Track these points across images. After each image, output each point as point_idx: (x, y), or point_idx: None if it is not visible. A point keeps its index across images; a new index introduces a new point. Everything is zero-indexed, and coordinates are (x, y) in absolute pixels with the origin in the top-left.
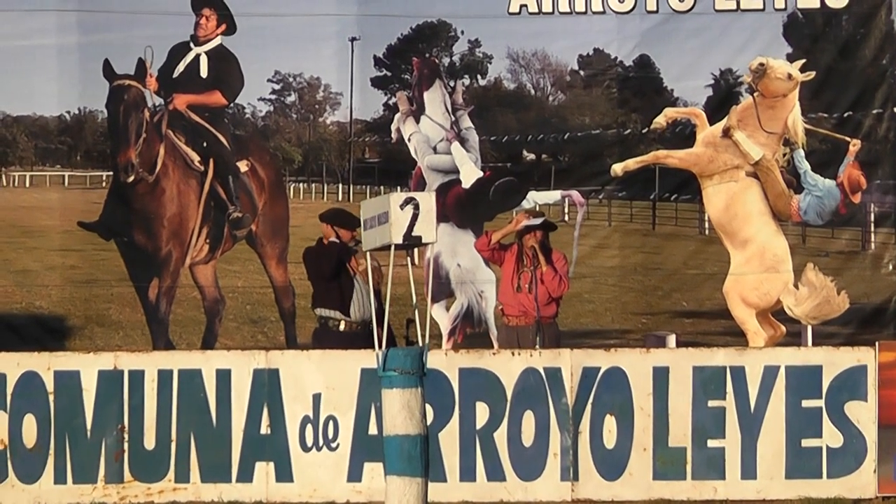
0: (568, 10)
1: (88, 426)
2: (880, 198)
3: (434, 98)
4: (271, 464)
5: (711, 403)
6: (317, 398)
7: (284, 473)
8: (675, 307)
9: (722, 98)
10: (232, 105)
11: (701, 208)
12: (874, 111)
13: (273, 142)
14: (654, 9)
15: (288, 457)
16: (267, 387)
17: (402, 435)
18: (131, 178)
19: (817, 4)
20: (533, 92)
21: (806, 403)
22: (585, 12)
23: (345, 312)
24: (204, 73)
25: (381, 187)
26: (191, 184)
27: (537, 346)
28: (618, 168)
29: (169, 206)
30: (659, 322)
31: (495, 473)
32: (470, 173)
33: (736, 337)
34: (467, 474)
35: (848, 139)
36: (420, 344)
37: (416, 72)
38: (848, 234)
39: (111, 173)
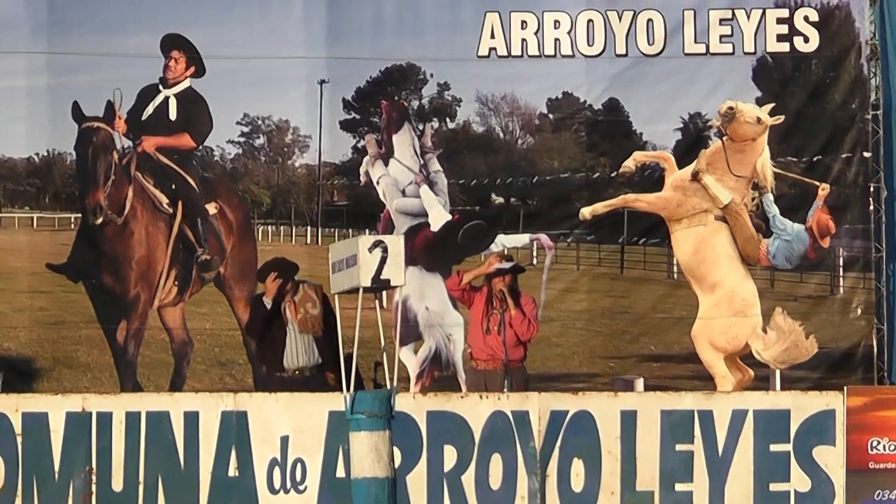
0: (537, 53)
1: (56, 468)
2: (849, 242)
3: (403, 141)
4: None
5: (679, 447)
6: (284, 441)
7: None
8: (644, 351)
9: (691, 142)
10: (201, 147)
11: (670, 252)
12: (843, 155)
13: (242, 184)
14: (624, 52)
15: (256, 499)
16: (235, 429)
17: (370, 478)
18: (100, 220)
19: (787, 49)
20: (502, 135)
21: (774, 448)
22: (554, 56)
23: (277, 366)
24: (173, 115)
25: (350, 230)
26: (159, 226)
27: (505, 390)
28: (586, 212)
29: (137, 248)
30: (627, 366)
31: None
32: (438, 217)
33: (704, 381)
34: None
35: (817, 184)
36: (388, 387)
37: (385, 115)
38: (817, 278)
39: (80, 215)
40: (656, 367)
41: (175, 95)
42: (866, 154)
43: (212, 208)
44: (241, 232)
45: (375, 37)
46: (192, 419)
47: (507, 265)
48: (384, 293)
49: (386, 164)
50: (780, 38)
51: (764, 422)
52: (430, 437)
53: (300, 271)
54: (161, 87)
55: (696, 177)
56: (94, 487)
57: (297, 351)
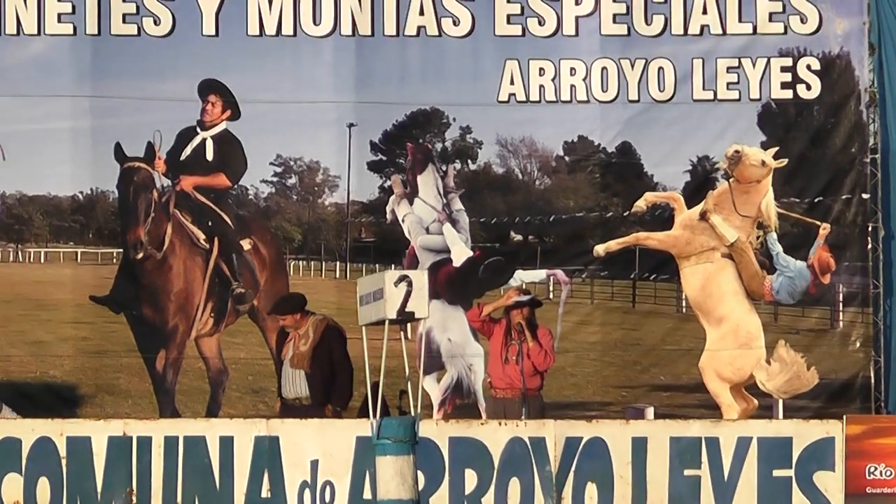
0: (554, 98)
1: (98, 489)
2: (848, 279)
3: (427, 181)
4: None
5: (687, 472)
6: (314, 464)
7: None
8: (654, 381)
9: (699, 183)
10: (236, 186)
11: (679, 287)
12: (843, 197)
13: (274, 221)
14: (636, 98)
15: None
16: (267, 453)
17: (395, 500)
18: (140, 255)
19: (790, 95)
20: (520, 176)
21: (777, 473)
22: (570, 101)
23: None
24: (210, 156)
25: (377, 265)
26: (196, 261)
27: (523, 417)
28: (600, 249)
29: (176, 281)
30: (638, 395)
31: None
32: (460, 253)
33: (711, 409)
34: None
35: (818, 223)
36: (412, 414)
37: (410, 156)
38: (818, 313)
39: (121, 250)
40: (665, 397)
41: (212, 137)
42: (865, 195)
43: (246, 244)
44: (274, 266)
45: (401, 83)
46: (227, 443)
47: (525, 299)
48: (409, 325)
49: (411, 203)
50: (784, 85)
51: (767, 448)
52: (452, 462)
53: (327, 305)
54: (199, 130)
55: (703, 216)
56: None
57: (290, 382)
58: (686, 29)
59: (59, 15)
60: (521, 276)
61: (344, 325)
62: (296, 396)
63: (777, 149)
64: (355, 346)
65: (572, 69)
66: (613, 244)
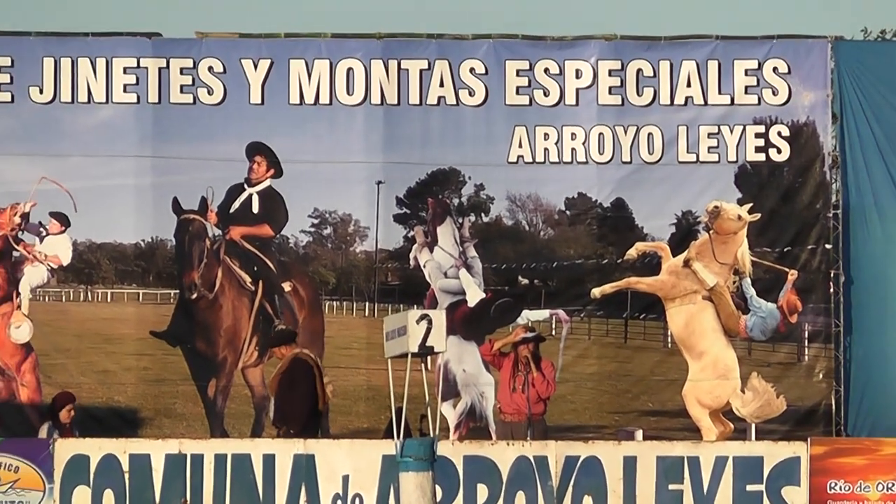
0: (557, 160)
1: (157, 500)
2: (813, 319)
3: (445, 232)
4: None
5: (672, 487)
6: (346, 479)
7: None
8: (643, 407)
9: (683, 235)
10: (278, 236)
11: (665, 325)
12: (809, 247)
13: (311, 267)
14: (629, 160)
15: None
16: (304, 469)
17: None
18: (194, 296)
19: (763, 158)
20: (527, 228)
21: (750, 488)
22: (571, 162)
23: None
24: (256, 209)
25: (401, 305)
26: (243, 301)
27: (528, 438)
28: (596, 292)
29: (225, 319)
30: (629, 419)
31: None
32: (474, 295)
33: (692, 432)
34: None
35: (787, 270)
36: (431, 435)
37: (431, 210)
38: (786, 348)
39: (178, 291)
40: (653, 421)
41: (257, 193)
42: (828, 246)
43: (287, 286)
44: (311, 306)
45: (423, 146)
46: (269, 461)
47: (530, 335)
48: (429, 358)
49: (431, 250)
50: (758, 149)
51: (741, 466)
52: (466, 477)
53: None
54: (246, 186)
55: (687, 263)
56: None
57: (271, 404)
58: (672, 100)
59: (125, 85)
60: (528, 316)
61: (371, 357)
62: (272, 420)
63: (751, 204)
64: (382, 375)
65: (573, 134)
66: (608, 287)
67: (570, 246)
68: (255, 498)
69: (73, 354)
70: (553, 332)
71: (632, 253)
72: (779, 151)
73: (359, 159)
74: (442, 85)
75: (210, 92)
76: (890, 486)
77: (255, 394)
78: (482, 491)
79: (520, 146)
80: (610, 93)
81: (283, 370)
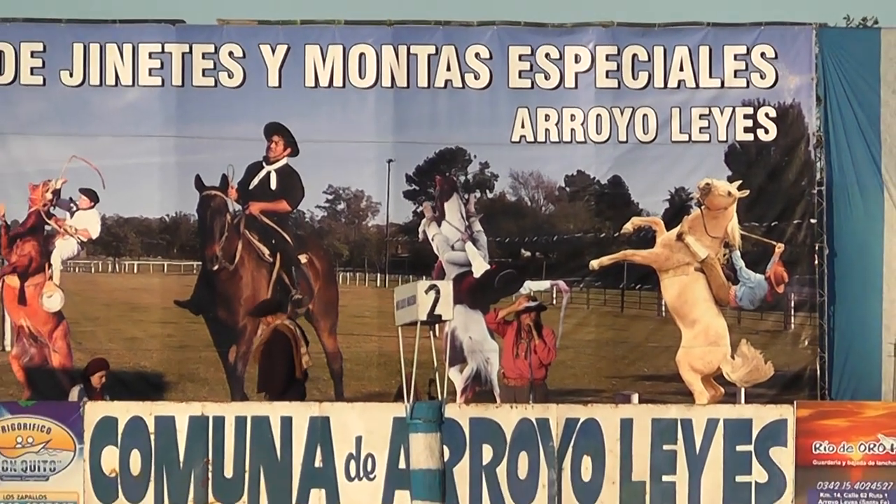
0: (557, 140)
1: (181, 459)
2: (799, 289)
3: (452, 207)
4: (323, 490)
5: (666, 447)
6: (359, 440)
7: (332, 498)
8: (639, 372)
9: (677, 210)
10: (295, 211)
11: (659, 295)
12: (795, 222)
13: (326, 240)
14: (625, 140)
15: (336, 485)
16: (320, 430)
17: (425, 469)
18: (216, 267)
19: (752, 138)
20: (529, 204)
21: (739, 448)
22: (571, 142)
23: None
24: (273, 186)
25: (411, 276)
26: (262, 272)
27: (531, 402)
28: (594, 264)
29: (245, 289)
30: (625, 384)
31: (497, 500)
32: (480, 266)
33: (685, 396)
34: (475, 501)
35: (774, 243)
36: (439, 398)
37: (439, 187)
38: (773, 317)
39: (200, 263)
40: (648, 385)
41: (275, 171)
42: (813, 221)
43: (303, 258)
44: (326, 277)
45: (431, 126)
46: (286, 422)
47: (532, 304)
48: (437, 325)
49: (439, 225)
50: (747, 129)
51: (731, 428)
52: (472, 438)
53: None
54: (264, 164)
55: (680, 237)
56: (210, 475)
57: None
58: (666, 83)
59: (150, 69)
60: (530, 286)
61: (382, 325)
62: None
63: (740, 182)
64: (392, 342)
65: (572, 115)
66: (606, 260)
67: (570, 221)
68: (273, 458)
69: (101, 322)
70: (554, 302)
71: (628, 227)
72: (766, 132)
73: (370, 139)
74: (449, 69)
75: (230, 75)
76: (871, 446)
77: None
78: (487, 451)
79: (522, 126)
80: (607, 76)
81: (265, 341)
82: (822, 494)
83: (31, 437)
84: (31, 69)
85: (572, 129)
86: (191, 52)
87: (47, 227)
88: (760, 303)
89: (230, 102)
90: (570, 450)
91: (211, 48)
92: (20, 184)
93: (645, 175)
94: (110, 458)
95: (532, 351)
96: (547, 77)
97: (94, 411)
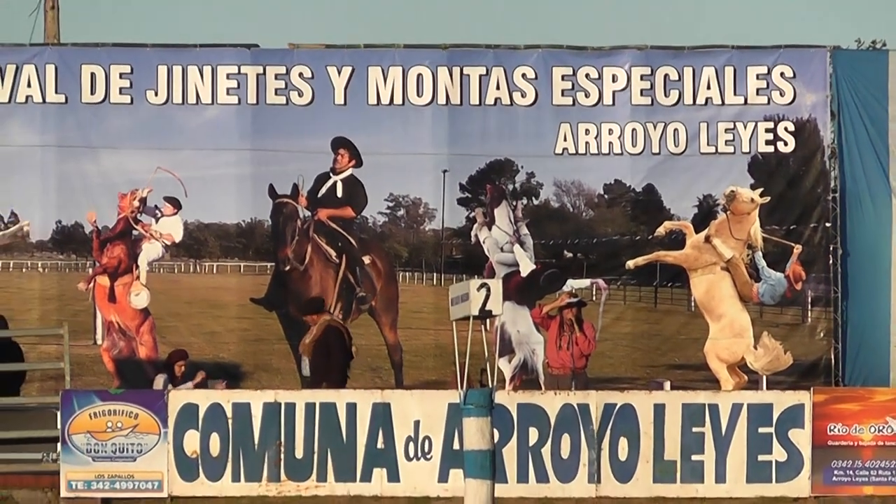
0: (596, 151)
1: (256, 442)
2: (815, 287)
3: (501, 213)
4: (384, 469)
5: (695, 429)
6: (417, 423)
7: (394, 476)
8: (670, 362)
9: (704, 215)
10: (359, 217)
11: (689, 292)
12: (812, 225)
13: (387, 243)
14: (658, 151)
15: (396, 464)
16: (382, 415)
17: (477, 450)
18: (287, 268)
19: (772, 150)
20: (571, 210)
21: (761, 430)
22: (608, 154)
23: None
24: (339, 194)
25: (464, 275)
26: (329, 272)
27: (572, 389)
28: (630, 264)
29: (314, 288)
30: (658, 372)
31: (542, 477)
32: (526, 266)
33: (712, 383)
34: (522, 478)
35: (793, 245)
36: (490, 386)
37: (489, 195)
38: (792, 311)
39: (273, 264)
40: (679, 374)
41: (341, 180)
42: (828, 224)
43: (367, 259)
44: (387, 277)
45: (482, 140)
46: (351, 408)
47: (574, 300)
48: (488, 320)
49: (489, 229)
50: (768, 142)
51: (754, 412)
52: (520, 422)
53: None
54: (331, 175)
55: (707, 239)
56: (282, 456)
57: (303, 364)
58: (695, 100)
59: (228, 89)
60: (572, 284)
61: (438, 320)
62: (305, 375)
63: (762, 189)
64: (447, 335)
65: (610, 130)
66: (640, 260)
67: (608, 225)
68: (339, 440)
69: (184, 318)
70: (593, 298)
71: (660, 231)
72: (785, 144)
73: (427, 151)
74: (498, 88)
75: (300, 94)
76: (881, 428)
77: None
78: (533, 433)
79: (564, 140)
80: (641, 94)
81: (318, 337)
82: (836, 472)
83: (121, 422)
84: (120, 89)
85: (610, 142)
86: (264, 73)
87: (135, 232)
88: (780, 298)
89: (300, 119)
90: (608, 432)
91: (283, 70)
92: (110, 193)
93: (676, 183)
94: (192, 441)
95: (574, 343)
96: (587, 95)
97: (178, 398)
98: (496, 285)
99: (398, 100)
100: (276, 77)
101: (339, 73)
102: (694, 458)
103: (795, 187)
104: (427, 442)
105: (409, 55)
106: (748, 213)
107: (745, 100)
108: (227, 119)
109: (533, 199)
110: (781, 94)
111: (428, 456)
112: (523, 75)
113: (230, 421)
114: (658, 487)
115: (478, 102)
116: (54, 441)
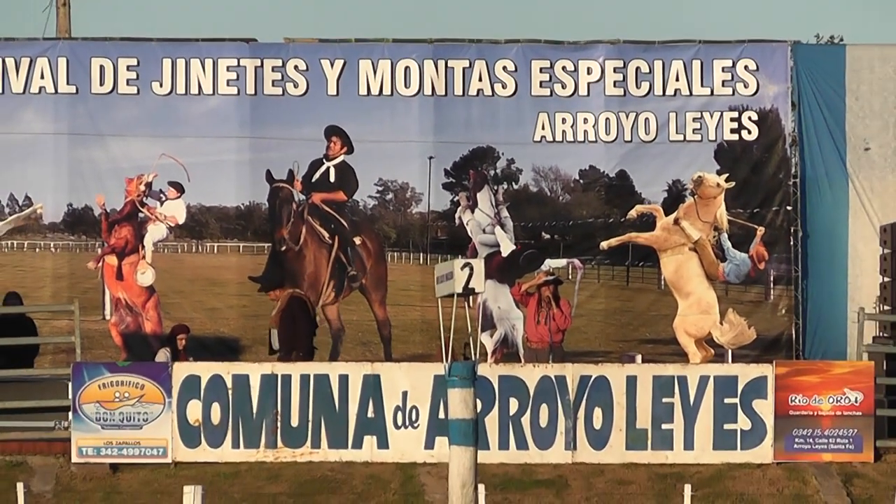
0: (572, 139)
1: (254, 411)
2: (777, 266)
3: (484, 197)
4: (374, 437)
5: (665, 400)
6: (405, 394)
7: (383, 443)
8: (642, 337)
9: (674, 199)
10: (350, 200)
11: (659, 271)
12: (773, 209)
13: (377, 225)
14: (630, 139)
15: (386, 432)
16: (372, 386)
17: (461, 419)
18: (283, 248)
19: (737, 138)
20: (549, 194)
21: (727, 400)
22: (584, 141)
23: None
24: (332, 179)
25: (449, 256)
26: (323, 252)
27: (550, 362)
28: (604, 244)
29: (308, 267)
30: (630, 346)
31: (522, 445)
32: (507, 247)
33: (681, 356)
34: (503, 445)
35: (756, 227)
36: (473, 359)
37: (472, 180)
38: (756, 289)
39: (270, 245)
40: (650, 347)
41: (334, 166)
42: (789, 208)
43: (357, 240)
44: (377, 256)
45: (466, 128)
46: (343, 379)
47: (551, 279)
48: (471, 297)
49: (472, 212)
50: (733, 131)
51: (720, 383)
52: (501, 393)
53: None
54: (324, 161)
55: (676, 222)
56: (279, 424)
57: (272, 337)
58: (664, 91)
59: (228, 80)
60: (550, 263)
61: (425, 297)
62: (276, 348)
63: (728, 175)
64: (433, 311)
65: (585, 119)
66: (614, 241)
67: (583, 208)
68: (332, 409)
69: (186, 295)
70: (569, 277)
71: (632, 213)
72: (749, 132)
73: (414, 139)
74: (480, 80)
75: (296, 85)
76: (838, 399)
77: (332, 326)
78: (513, 403)
79: (543, 128)
80: (614, 86)
81: (283, 308)
82: (797, 440)
83: (128, 393)
84: (127, 80)
85: (585, 131)
86: (262, 65)
87: (140, 215)
88: (745, 277)
89: (295, 108)
90: (583, 402)
91: (279, 62)
92: (117, 178)
93: (647, 169)
94: (194, 410)
95: (551, 318)
96: (563, 86)
97: (181, 370)
98: (479, 265)
99: (387, 91)
100: (273, 69)
101: (332, 65)
102: (664, 426)
103: (759, 173)
104: (414, 411)
105: (398, 49)
106: (714, 197)
107: (712, 91)
108: (227, 108)
109: (513, 183)
110: (745, 86)
111: (415, 424)
112: (504, 68)
113: (230, 391)
114: (630, 454)
115: (461, 93)
116: (66, 410)
